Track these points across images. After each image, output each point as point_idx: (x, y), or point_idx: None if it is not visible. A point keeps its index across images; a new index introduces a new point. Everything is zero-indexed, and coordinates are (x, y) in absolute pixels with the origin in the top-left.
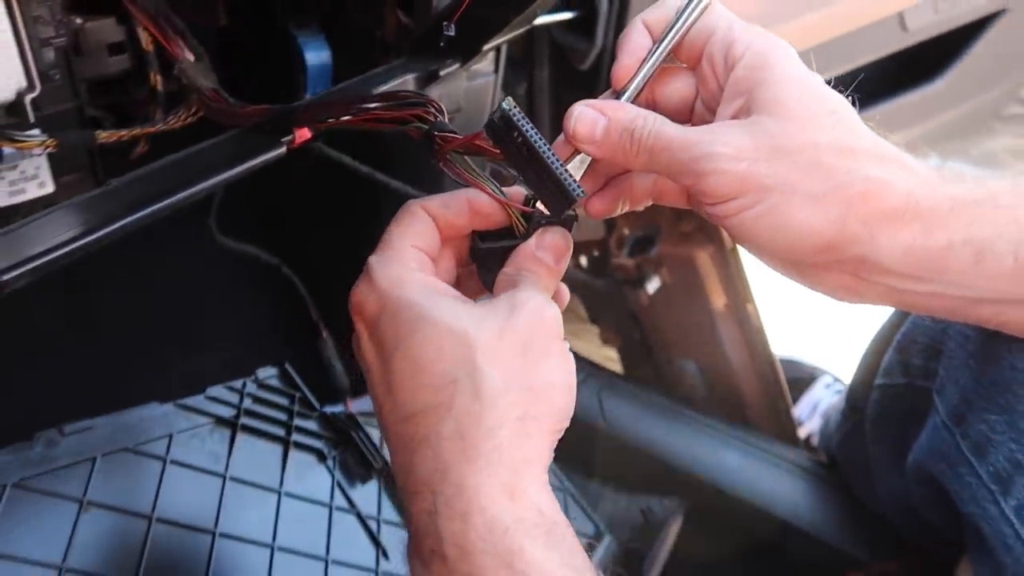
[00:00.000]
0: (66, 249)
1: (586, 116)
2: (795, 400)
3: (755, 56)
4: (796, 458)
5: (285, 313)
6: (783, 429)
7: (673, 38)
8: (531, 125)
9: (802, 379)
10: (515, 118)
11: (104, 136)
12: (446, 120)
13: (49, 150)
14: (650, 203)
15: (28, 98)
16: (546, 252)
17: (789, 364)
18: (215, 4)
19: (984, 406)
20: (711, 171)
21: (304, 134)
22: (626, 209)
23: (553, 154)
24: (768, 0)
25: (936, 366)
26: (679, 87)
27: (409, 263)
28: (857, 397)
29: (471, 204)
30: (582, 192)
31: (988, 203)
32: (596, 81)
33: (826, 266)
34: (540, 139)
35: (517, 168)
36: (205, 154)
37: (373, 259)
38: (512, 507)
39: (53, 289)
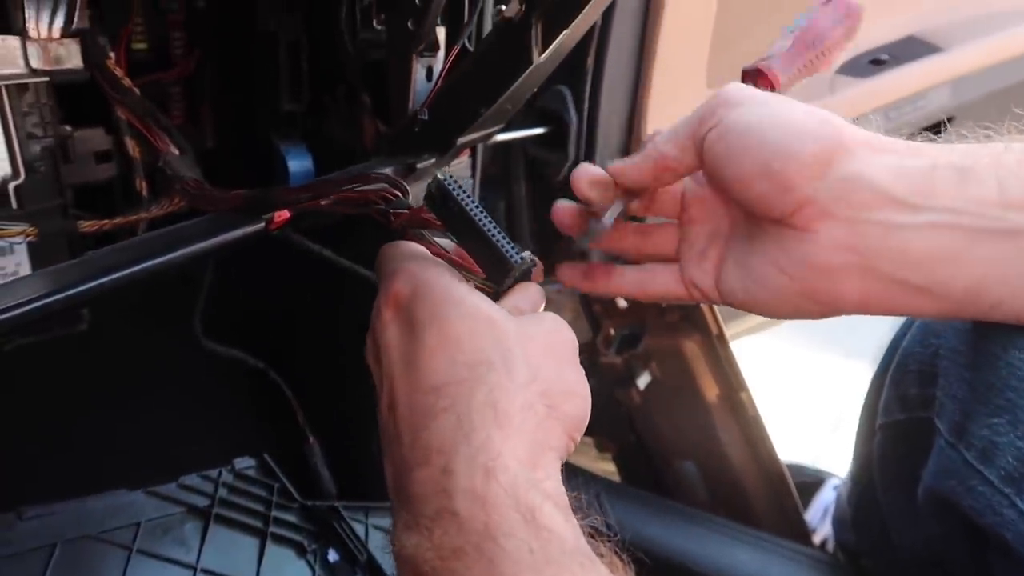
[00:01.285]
0: (35, 305)
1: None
2: (804, 507)
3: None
4: (812, 553)
5: (270, 418)
6: (794, 532)
7: None
8: (468, 194)
9: (808, 483)
10: (451, 187)
11: (86, 225)
12: (408, 200)
13: (29, 238)
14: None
15: (12, 185)
16: (528, 308)
17: (793, 468)
18: (203, 129)
19: (984, 411)
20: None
21: (283, 215)
22: None
23: (490, 221)
24: None
25: (933, 391)
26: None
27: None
28: (862, 450)
29: None
30: (520, 258)
31: (962, 147)
32: (572, 193)
33: (820, 212)
34: (477, 207)
35: (458, 237)
36: (185, 230)
37: (400, 262)
38: (535, 476)
39: (27, 372)
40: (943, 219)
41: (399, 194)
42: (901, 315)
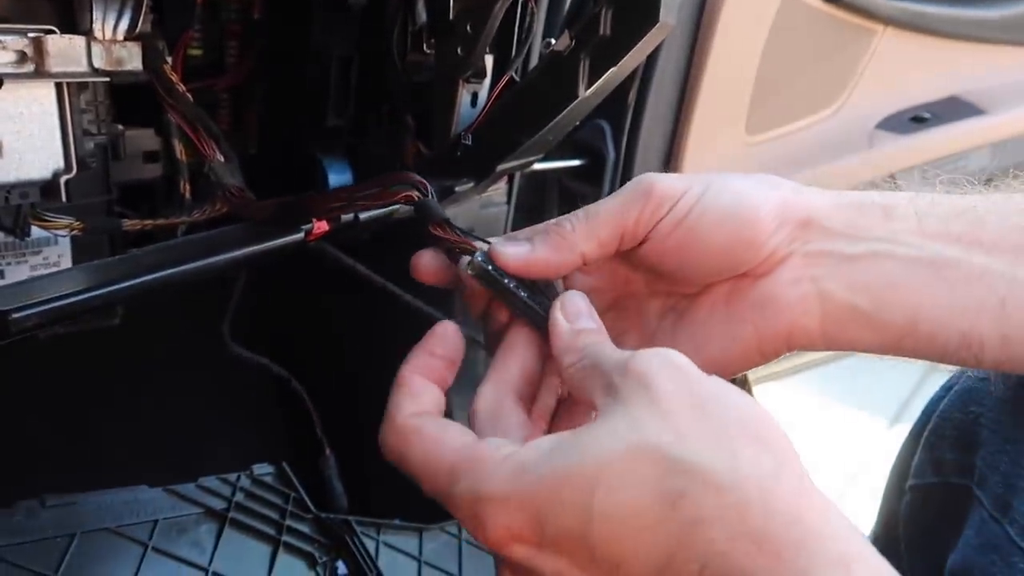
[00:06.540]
0: (76, 299)
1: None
2: None
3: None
4: None
5: (289, 427)
6: None
7: None
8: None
9: None
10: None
11: (129, 224)
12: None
13: (75, 233)
14: None
15: (63, 179)
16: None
17: None
18: (246, 135)
19: None
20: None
21: (322, 227)
22: None
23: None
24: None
25: (973, 460)
26: None
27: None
28: (889, 508)
29: None
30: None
31: (880, 192)
32: None
33: (783, 256)
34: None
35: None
36: (226, 235)
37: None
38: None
39: (57, 363)
40: (880, 248)
41: (420, 193)
42: (850, 350)
